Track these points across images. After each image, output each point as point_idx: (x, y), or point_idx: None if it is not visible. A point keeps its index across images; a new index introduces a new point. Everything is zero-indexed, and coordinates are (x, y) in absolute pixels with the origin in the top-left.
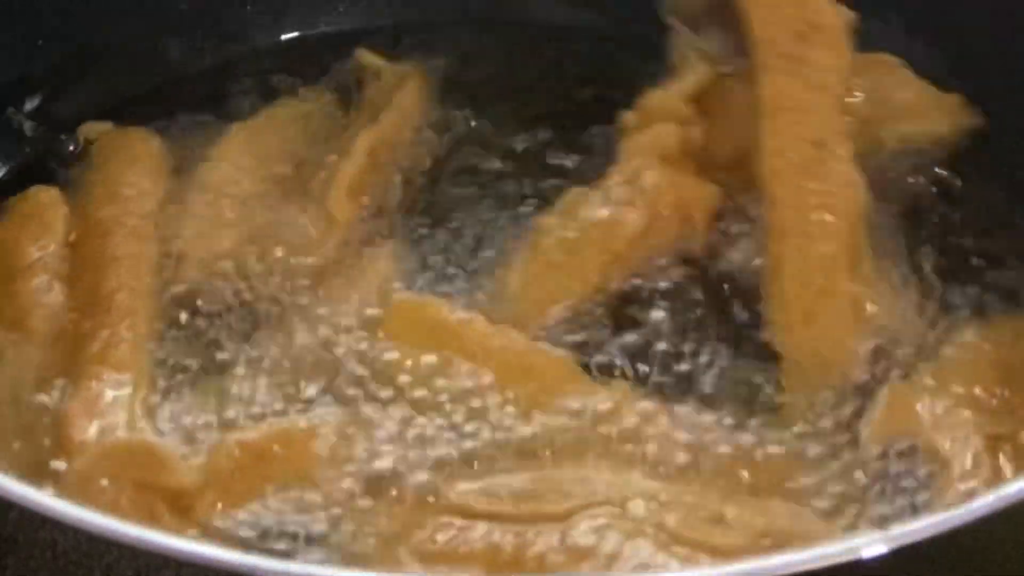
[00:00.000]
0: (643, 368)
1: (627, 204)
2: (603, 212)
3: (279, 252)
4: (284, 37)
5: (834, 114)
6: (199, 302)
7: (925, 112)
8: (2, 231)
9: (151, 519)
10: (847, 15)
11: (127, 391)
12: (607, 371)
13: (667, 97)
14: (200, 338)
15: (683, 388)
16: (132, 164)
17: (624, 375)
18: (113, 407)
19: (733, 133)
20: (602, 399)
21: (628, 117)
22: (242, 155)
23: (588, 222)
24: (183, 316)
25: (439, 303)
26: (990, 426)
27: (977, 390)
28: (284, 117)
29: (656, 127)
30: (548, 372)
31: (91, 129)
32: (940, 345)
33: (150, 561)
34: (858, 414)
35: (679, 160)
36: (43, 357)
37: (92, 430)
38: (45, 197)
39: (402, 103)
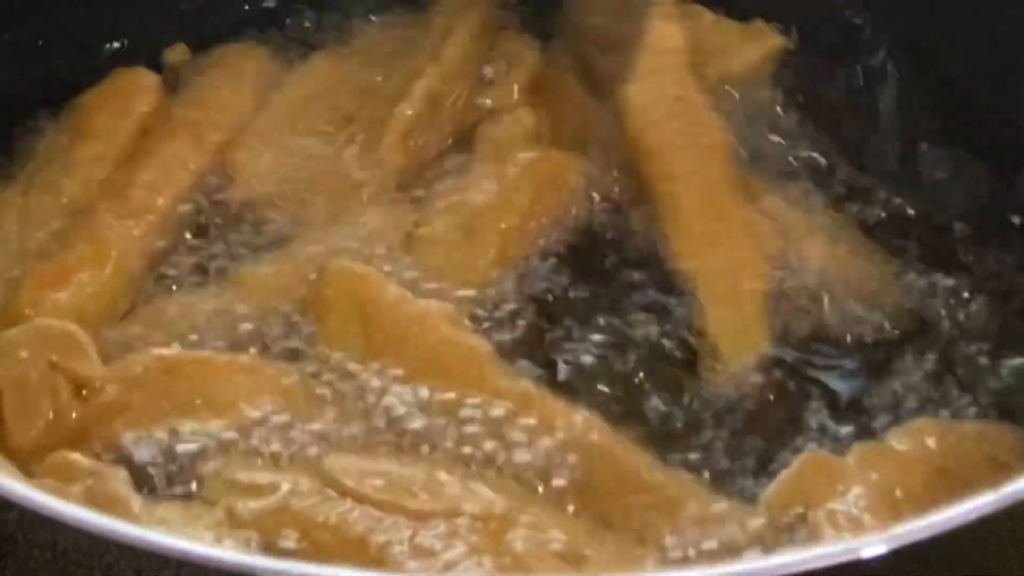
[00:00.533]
0: (556, 356)
1: (510, 185)
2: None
3: (316, 189)
4: None
5: (685, 73)
6: (215, 219)
7: (735, 46)
8: (91, 96)
9: (52, 397)
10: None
11: (95, 275)
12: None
13: (502, 94)
14: (195, 254)
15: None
16: (231, 78)
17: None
18: (78, 285)
19: (571, 114)
20: (502, 403)
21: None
22: (315, 84)
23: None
24: (192, 230)
25: (375, 276)
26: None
27: (897, 491)
28: (362, 46)
29: (506, 117)
30: (460, 365)
31: (174, 54)
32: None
33: (150, 561)
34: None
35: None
36: (57, 228)
37: (47, 300)
38: (142, 79)
39: (462, 40)
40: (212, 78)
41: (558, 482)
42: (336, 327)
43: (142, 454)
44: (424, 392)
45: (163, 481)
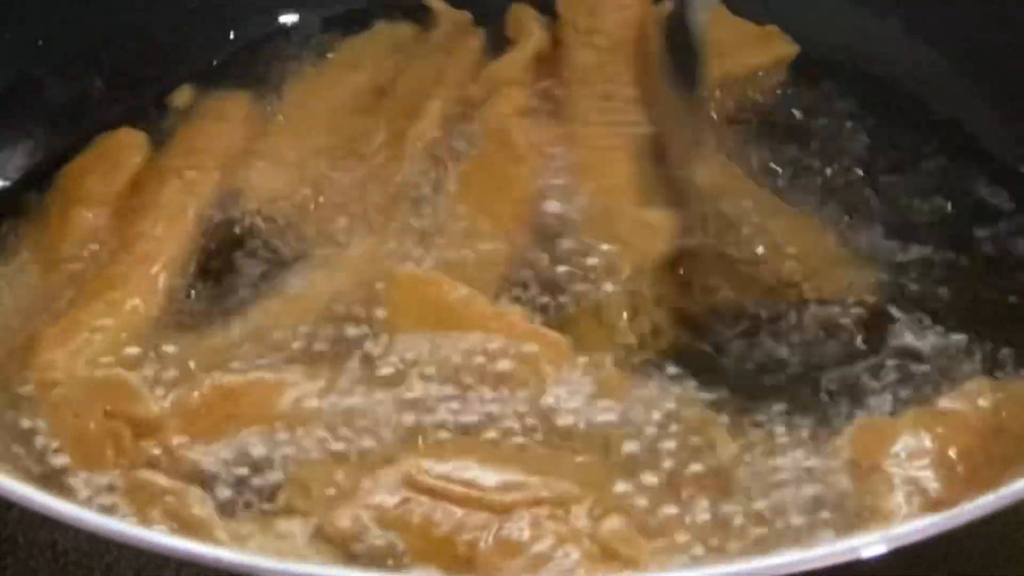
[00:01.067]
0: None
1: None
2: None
3: (328, 205)
4: None
5: (624, 66)
6: (228, 245)
7: (742, 47)
8: (81, 160)
9: (115, 444)
10: None
11: (112, 326)
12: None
13: (507, 66)
14: (215, 285)
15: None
16: (218, 123)
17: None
18: (90, 340)
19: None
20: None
21: (473, 89)
22: (315, 99)
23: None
24: (207, 259)
25: (441, 280)
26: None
27: (952, 451)
28: (357, 55)
29: (504, 90)
30: (544, 354)
31: (179, 96)
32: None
33: (150, 561)
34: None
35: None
36: (62, 286)
37: (59, 356)
38: (128, 138)
39: (464, 59)
40: (197, 125)
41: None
42: (408, 331)
43: (214, 478)
44: (504, 388)
45: (239, 501)
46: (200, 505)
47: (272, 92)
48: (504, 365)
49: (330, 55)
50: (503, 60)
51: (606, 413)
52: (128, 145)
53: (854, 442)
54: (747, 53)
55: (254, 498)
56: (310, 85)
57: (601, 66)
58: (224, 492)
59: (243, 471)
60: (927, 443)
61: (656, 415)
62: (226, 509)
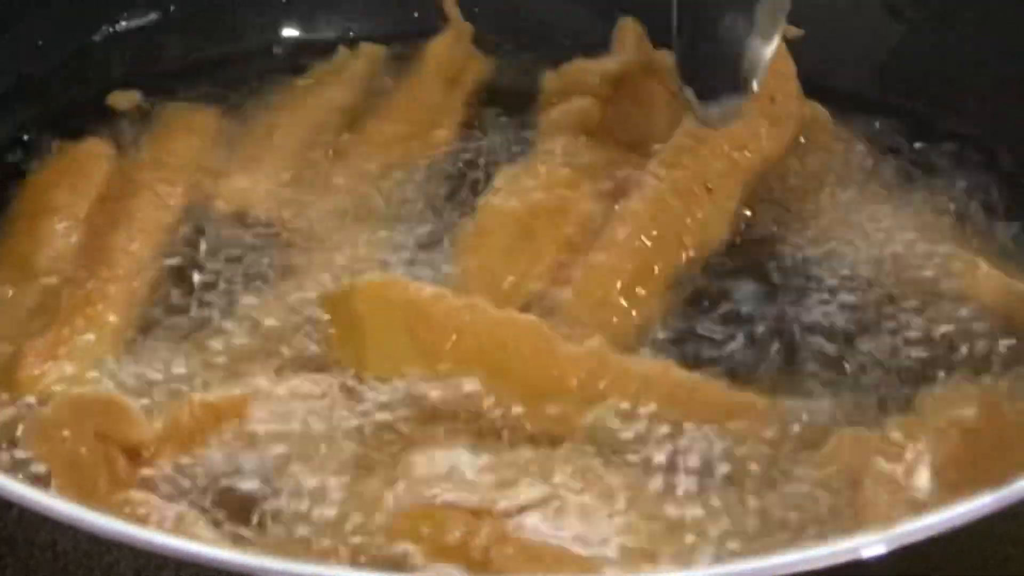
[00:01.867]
0: None
1: (567, 186)
2: (548, 194)
3: (306, 218)
4: None
5: (736, 176)
6: (202, 255)
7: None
8: (46, 172)
9: (107, 467)
10: (815, 110)
11: (93, 342)
12: None
13: (589, 70)
14: (191, 296)
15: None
16: (185, 135)
17: None
18: (72, 355)
19: (636, 121)
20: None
21: (550, 77)
22: (289, 114)
23: (536, 205)
24: (182, 271)
25: (406, 281)
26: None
27: (938, 461)
28: (333, 73)
29: (575, 101)
30: (524, 340)
31: (119, 98)
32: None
33: (150, 561)
34: None
35: (596, 133)
36: (37, 301)
37: (43, 373)
38: (95, 148)
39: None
40: (164, 136)
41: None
42: (380, 339)
43: (210, 498)
44: (490, 378)
45: (239, 520)
46: (196, 527)
47: (240, 107)
48: (486, 356)
49: (304, 76)
50: (578, 63)
51: (600, 404)
52: (95, 156)
53: (837, 453)
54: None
55: (251, 517)
56: (284, 100)
57: None
58: (218, 514)
59: (237, 488)
60: (911, 451)
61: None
62: (224, 531)
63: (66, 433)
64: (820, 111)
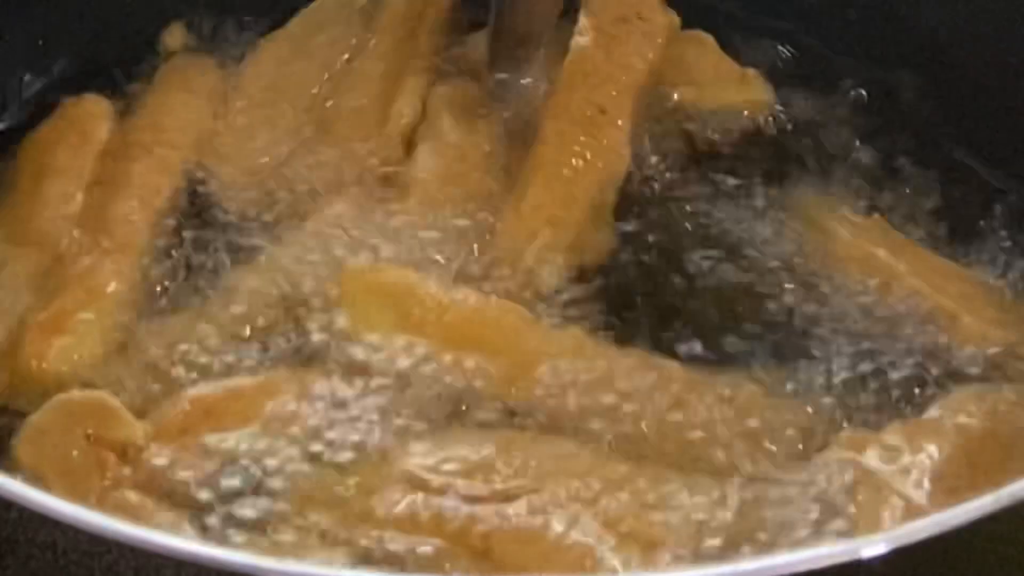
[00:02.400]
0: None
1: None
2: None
3: (299, 186)
4: None
5: (627, 94)
6: (197, 227)
7: (718, 81)
8: (46, 130)
9: (99, 467)
10: (673, 18)
11: (96, 315)
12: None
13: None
14: (184, 268)
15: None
16: (184, 94)
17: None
18: (78, 328)
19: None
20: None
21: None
22: (280, 70)
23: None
24: (180, 238)
25: (389, 268)
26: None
27: (937, 462)
28: (317, 21)
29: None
30: (507, 323)
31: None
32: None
33: (150, 561)
34: None
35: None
36: (40, 266)
37: (51, 348)
38: (94, 107)
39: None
40: (163, 96)
41: (623, 428)
42: (368, 321)
43: (204, 494)
44: (475, 360)
45: (230, 517)
46: (191, 526)
47: (235, 60)
48: (477, 343)
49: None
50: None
51: (597, 392)
52: (96, 115)
53: (839, 455)
54: (721, 90)
55: (248, 517)
56: (274, 54)
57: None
58: (212, 518)
59: (232, 488)
60: (911, 455)
61: (646, 386)
62: (216, 534)
63: (57, 437)
64: (674, 17)
